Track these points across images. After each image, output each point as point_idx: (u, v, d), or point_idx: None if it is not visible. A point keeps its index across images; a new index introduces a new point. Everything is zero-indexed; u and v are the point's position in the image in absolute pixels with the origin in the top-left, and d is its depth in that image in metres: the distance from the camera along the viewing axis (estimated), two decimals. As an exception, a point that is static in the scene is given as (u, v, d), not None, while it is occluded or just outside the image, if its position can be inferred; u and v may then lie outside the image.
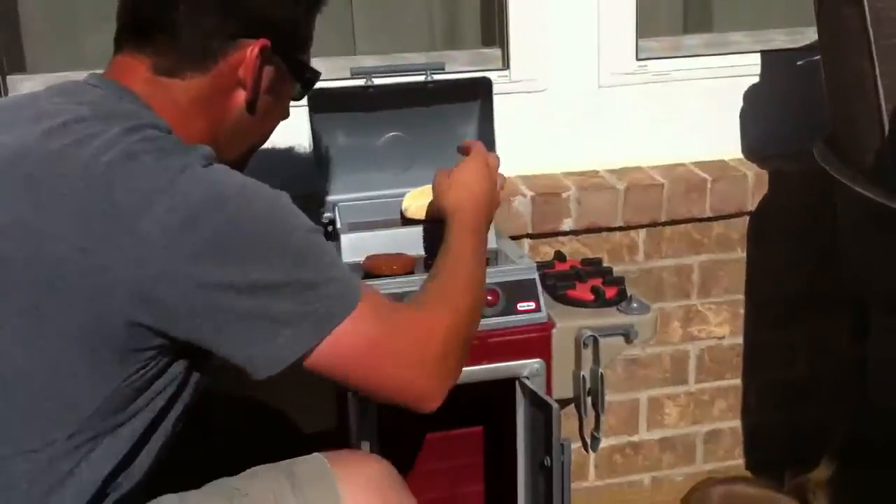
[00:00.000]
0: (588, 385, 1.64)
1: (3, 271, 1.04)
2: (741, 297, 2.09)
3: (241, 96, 1.23)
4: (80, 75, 1.22)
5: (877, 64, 1.50)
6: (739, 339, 2.12)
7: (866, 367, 1.73)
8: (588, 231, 1.96)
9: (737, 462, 2.20)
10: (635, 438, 2.15)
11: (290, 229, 1.11)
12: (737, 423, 2.18)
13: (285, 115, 1.35)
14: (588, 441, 1.70)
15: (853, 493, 1.88)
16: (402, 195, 1.72)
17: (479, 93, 1.72)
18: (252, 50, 1.20)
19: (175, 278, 1.03)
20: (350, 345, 1.12)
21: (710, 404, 2.16)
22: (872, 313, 1.68)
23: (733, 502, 1.15)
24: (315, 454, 1.17)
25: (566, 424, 1.93)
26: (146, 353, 1.07)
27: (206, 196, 1.06)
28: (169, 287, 1.03)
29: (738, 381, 2.15)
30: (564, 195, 1.92)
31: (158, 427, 1.13)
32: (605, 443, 2.11)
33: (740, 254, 2.05)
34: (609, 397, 2.08)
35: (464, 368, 1.55)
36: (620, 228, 1.97)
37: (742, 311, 2.10)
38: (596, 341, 1.59)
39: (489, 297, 1.56)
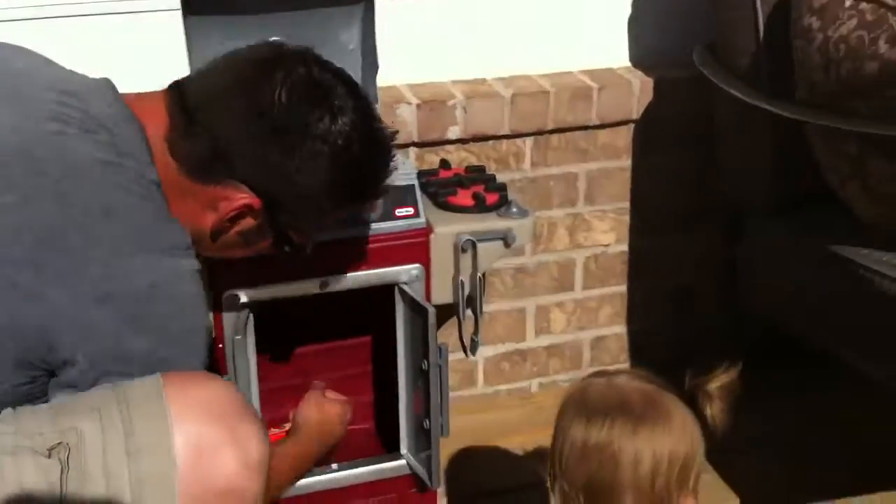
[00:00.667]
0: (467, 290, 1.65)
1: None
2: (627, 205, 2.11)
3: (209, 219, 1.24)
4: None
5: (753, -32, 1.51)
6: (625, 247, 2.15)
7: (737, 272, 1.78)
8: (474, 140, 1.95)
9: (623, 367, 2.25)
10: (523, 346, 2.18)
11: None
12: (622, 329, 2.23)
13: (253, 254, 1.35)
14: (468, 345, 1.71)
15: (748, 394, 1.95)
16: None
17: (360, -5, 1.67)
18: (240, 199, 1.22)
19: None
20: None
21: (597, 311, 2.20)
22: (747, 217, 1.71)
23: (611, 394, 1.17)
24: (154, 375, 1.12)
25: (449, 331, 1.95)
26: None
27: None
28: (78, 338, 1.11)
29: (623, 288, 2.19)
30: (450, 103, 1.90)
31: None
32: (492, 350, 2.14)
33: (626, 162, 2.07)
34: (496, 306, 2.11)
35: (345, 275, 1.56)
36: (507, 136, 1.97)
37: (627, 219, 2.12)
38: (474, 245, 1.60)
39: (367, 203, 1.55)
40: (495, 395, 2.20)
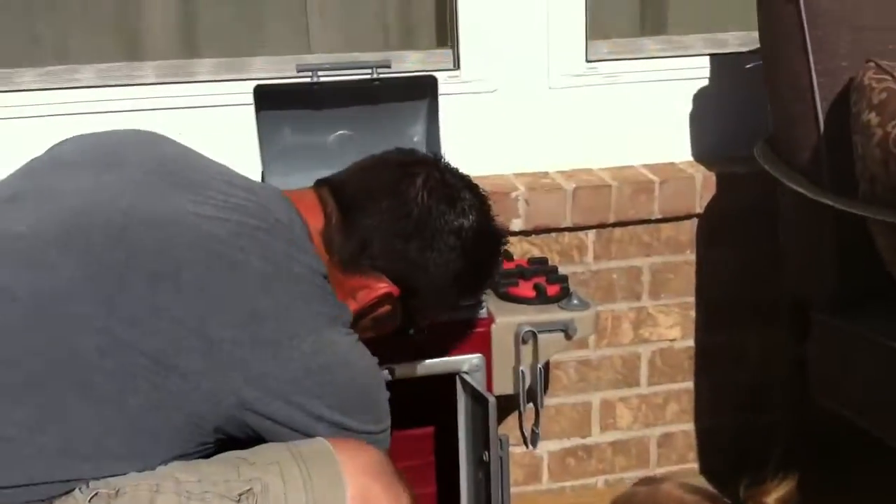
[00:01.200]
0: (528, 382, 1.64)
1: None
2: (691, 299, 2.09)
3: (350, 307, 1.32)
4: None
5: (812, 62, 1.52)
6: (691, 342, 2.13)
7: (807, 369, 1.74)
8: (536, 232, 1.97)
9: (691, 465, 2.20)
10: (588, 441, 2.15)
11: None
12: (690, 427, 2.18)
13: (375, 336, 1.41)
14: (528, 436, 1.70)
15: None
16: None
17: (425, 91, 1.72)
18: (381, 289, 1.33)
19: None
20: None
21: (663, 407, 2.16)
22: (812, 313, 1.68)
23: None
24: (317, 437, 1.21)
25: (510, 422, 1.95)
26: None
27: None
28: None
29: (690, 384, 2.16)
30: (513, 195, 1.92)
31: None
32: (557, 445, 2.11)
33: (690, 256, 2.06)
34: (561, 399, 2.09)
35: (404, 364, 1.57)
36: (569, 229, 1.98)
37: (693, 313, 2.10)
38: (535, 336, 1.60)
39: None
40: (560, 491, 2.16)
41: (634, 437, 2.17)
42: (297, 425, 1.21)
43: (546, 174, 2.01)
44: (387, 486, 1.20)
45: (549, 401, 2.03)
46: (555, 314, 1.63)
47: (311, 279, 1.26)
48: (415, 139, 1.77)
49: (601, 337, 2.06)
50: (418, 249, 1.34)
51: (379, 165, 1.41)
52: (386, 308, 1.37)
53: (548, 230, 1.97)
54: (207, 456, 1.20)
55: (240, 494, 1.12)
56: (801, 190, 1.50)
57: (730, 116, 2.06)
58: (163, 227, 1.20)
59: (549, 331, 1.61)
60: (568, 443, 2.14)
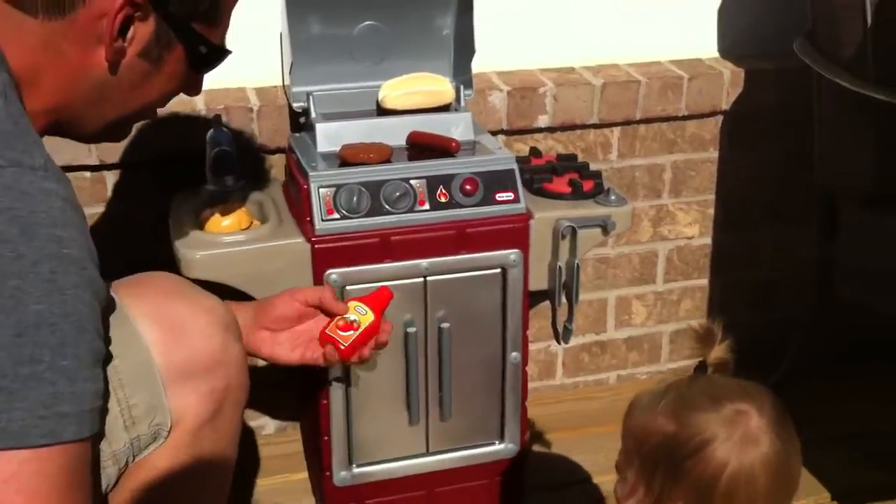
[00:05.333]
0: (563, 277, 1.64)
1: None
2: (711, 197, 2.10)
3: (101, 54, 1.05)
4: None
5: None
6: (708, 240, 2.14)
7: (833, 266, 1.76)
8: (563, 128, 1.95)
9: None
10: (603, 337, 2.17)
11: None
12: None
13: (178, 88, 1.16)
14: (560, 332, 1.71)
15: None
16: (377, 87, 1.69)
17: (455, -16, 1.68)
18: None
19: None
20: None
21: (677, 304, 2.18)
22: (845, 208, 1.69)
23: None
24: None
25: (537, 321, 1.96)
26: None
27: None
28: None
29: (705, 282, 2.18)
30: (541, 90, 1.89)
31: None
32: (573, 341, 2.13)
33: (713, 154, 2.06)
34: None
35: (443, 259, 1.56)
36: (595, 126, 1.96)
37: (711, 211, 2.11)
38: (574, 232, 1.60)
39: (467, 186, 1.55)
40: (573, 386, 2.19)
41: (648, 334, 2.20)
42: None
43: (572, 69, 1.98)
44: (189, 302, 1.14)
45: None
46: (593, 209, 1.62)
47: None
48: (444, 32, 1.74)
49: (620, 235, 2.06)
50: None
51: None
52: (143, 31, 1.06)
53: (573, 127, 1.95)
54: None
55: None
56: (845, 84, 1.49)
57: (757, 11, 2.04)
58: None
59: (588, 226, 1.60)
60: (583, 339, 2.16)
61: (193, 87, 1.19)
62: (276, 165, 1.82)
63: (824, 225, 1.77)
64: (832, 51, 1.62)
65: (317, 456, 1.70)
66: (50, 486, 0.90)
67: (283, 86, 1.71)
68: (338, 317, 1.40)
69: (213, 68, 1.17)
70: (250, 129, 1.78)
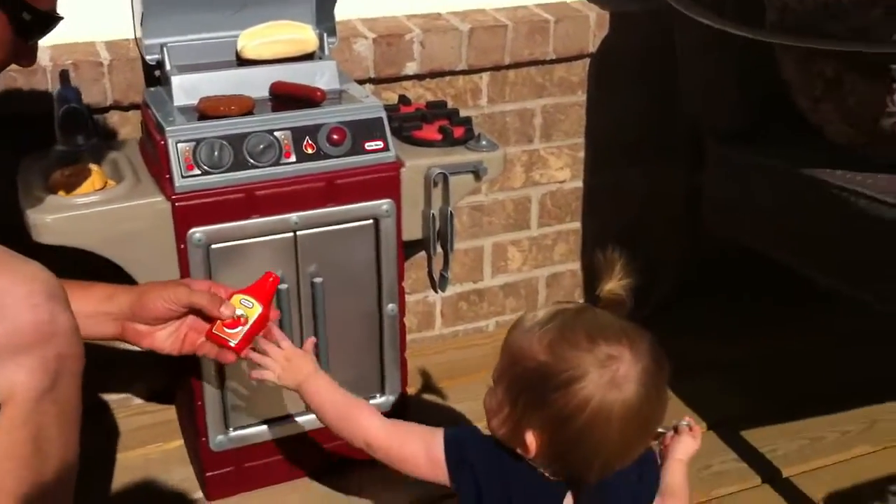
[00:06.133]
0: (437, 225, 1.62)
1: None
2: (581, 140, 2.10)
3: None
4: None
5: None
6: (580, 183, 2.15)
7: (700, 202, 1.79)
8: (431, 75, 1.91)
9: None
10: (480, 285, 2.17)
11: None
12: (577, 266, 2.23)
13: (8, 58, 1.10)
14: (437, 280, 1.69)
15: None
16: (236, 37, 1.63)
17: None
18: None
19: None
20: None
21: (552, 248, 2.20)
22: (708, 145, 1.72)
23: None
24: None
25: (413, 272, 1.93)
26: None
27: None
28: None
29: (578, 224, 2.19)
30: (408, 37, 1.85)
31: None
32: (450, 290, 2.12)
33: (581, 97, 2.06)
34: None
35: (312, 212, 1.52)
36: (464, 72, 1.93)
37: (582, 154, 2.12)
38: (446, 178, 1.57)
39: (335, 136, 1.51)
40: (453, 335, 2.19)
41: (524, 279, 2.21)
42: None
43: (439, 15, 1.94)
44: (7, 272, 1.05)
45: (442, 248, 2.03)
46: (464, 155, 1.60)
47: None
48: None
49: (493, 182, 2.05)
50: None
51: None
52: None
53: (442, 73, 1.92)
54: None
55: None
56: (707, 21, 1.50)
57: (620, -47, 2.04)
58: None
59: (460, 172, 1.58)
60: (460, 288, 2.15)
61: (25, 57, 1.13)
62: (132, 122, 1.73)
63: (691, 162, 1.79)
64: (693, -11, 1.63)
65: (192, 422, 1.64)
66: None
67: (136, 38, 1.62)
68: None
69: (41, 36, 1.10)
70: (101, 84, 1.68)
